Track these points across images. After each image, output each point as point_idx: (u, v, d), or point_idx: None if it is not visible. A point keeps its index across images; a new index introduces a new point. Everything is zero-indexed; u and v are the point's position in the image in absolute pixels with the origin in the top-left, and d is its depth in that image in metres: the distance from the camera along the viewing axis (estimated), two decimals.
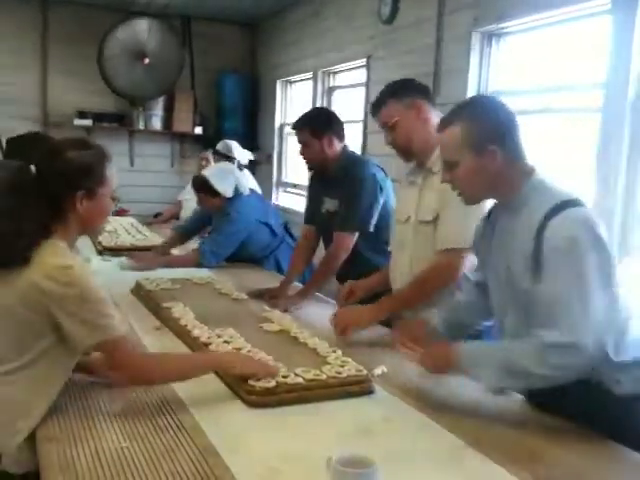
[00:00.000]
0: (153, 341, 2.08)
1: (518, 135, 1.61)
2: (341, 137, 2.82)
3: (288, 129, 6.63)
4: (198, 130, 6.90)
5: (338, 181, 2.75)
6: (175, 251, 3.69)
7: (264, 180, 6.55)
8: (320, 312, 2.50)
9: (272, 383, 1.61)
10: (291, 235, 3.69)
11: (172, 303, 2.39)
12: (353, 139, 4.36)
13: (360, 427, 1.50)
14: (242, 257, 3.45)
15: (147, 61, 6.42)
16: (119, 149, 6.71)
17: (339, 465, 1.14)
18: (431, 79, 3.89)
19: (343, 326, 2.13)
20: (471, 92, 3.67)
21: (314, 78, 5.77)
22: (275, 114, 6.67)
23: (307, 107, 5.87)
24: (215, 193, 3.38)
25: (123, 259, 3.36)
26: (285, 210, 5.94)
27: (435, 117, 2.14)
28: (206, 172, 3.51)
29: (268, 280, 3.08)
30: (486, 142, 1.56)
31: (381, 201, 2.70)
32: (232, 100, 6.93)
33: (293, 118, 6.44)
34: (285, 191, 6.72)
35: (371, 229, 2.70)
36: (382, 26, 4.55)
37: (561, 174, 3.22)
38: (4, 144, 3.30)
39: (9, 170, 1.55)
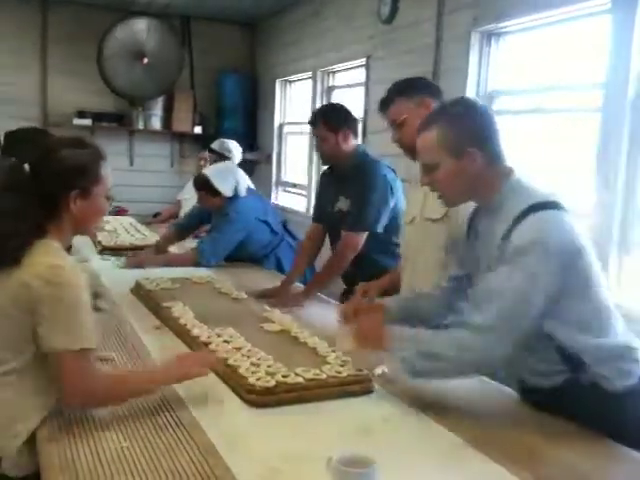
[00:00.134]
0: (153, 340, 2.08)
1: (497, 137, 1.62)
2: (356, 133, 2.82)
3: (288, 129, 6.63)
4: (198, 130, 6.89)
5: (351, 180, 2.75)
6: (173, 249, 3.68)
7: (263, 180, 6.56)
8: (321, 312, 2.51)
9: (272, 382, 1.61)
10: (290, 234, 3.69)
11: (172, 302, 2.39)
12: None
13: (360, 427, 1.50)
14: (242, 256, 3.45)
15: (146, 61, 6.41)
16: (119, 149, 6.71)
17: (340, 465, 1.15)
18: (430, 79, 3.89)
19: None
20: (471, 92, 3.67)
21: (313, 78, 5.77)
22: (274, 114, 6.66)
23: (306, 107, 5.90)
24: (215, 192, 3.38)
25: (123, 259, 3.36)
26: (284, 209, 5.94)
27: None
28: (207, 171, 3.52)
29: (268, 279, 3.08)
30: (464, 145, 1.57)
31: (391, 203, 2.69)
32: (232, 100, 6.93)
33: (293, 118, 6.52)
34: (284, 190, 6.72)
35: (380, 230, 2.69)
36: (381, 26, 4.55)
37: (561, 173, 3.23)
38: (2, 139, 3.30)
39: (2, 169, 1.54)
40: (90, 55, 6.33)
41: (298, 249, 3.16)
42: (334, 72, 5.64)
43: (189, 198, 5.00)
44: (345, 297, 2.64)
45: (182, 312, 2.27)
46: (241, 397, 1.61)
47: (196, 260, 3.30)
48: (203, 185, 3.43)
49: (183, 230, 3.78)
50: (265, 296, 2.70)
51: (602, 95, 2.89)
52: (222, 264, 3.35)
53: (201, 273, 3.07)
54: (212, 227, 3.55)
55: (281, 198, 6.68)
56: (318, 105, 5.66)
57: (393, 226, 2.69)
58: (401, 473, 1.28)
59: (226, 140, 4.84)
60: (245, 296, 2.65)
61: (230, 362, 1.75)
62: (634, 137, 2.77)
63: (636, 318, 2.55)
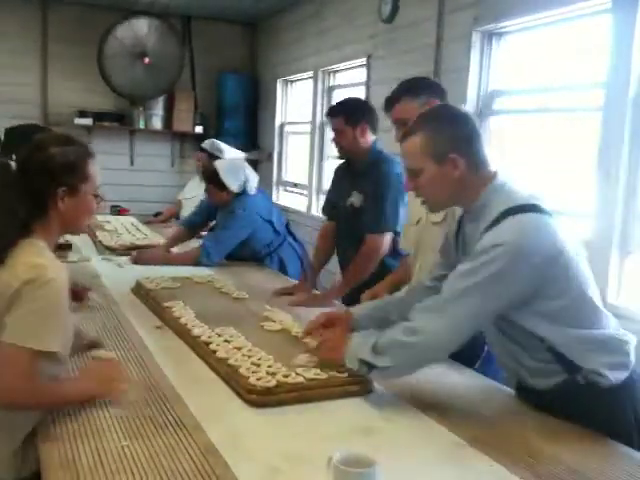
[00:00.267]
0: (154, 340, 2.08)
1: (480, 143, 1.63)
2: (374, 128, 2.79)
3: (288, 128, 6.63)
4: (198, 129, 6.90)
5: (366, 176, 2.73)
6: (176, 248, 3.66)
7: (264, 179, 6.53)
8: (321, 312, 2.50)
9: (273, 382, 1.61)
10: (293, 235, 3.68)
11: (172, 302, 2.39)
12: None
13: (360, 427, 1.50)
14: (244, 255, 3.44)
15: (147, 60, 6.42)
16: (119, 148, 6.72)
17: (340, 464, 1.15)
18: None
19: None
20: (471, 91, 3.67)
21: (314, 77, 5.77)
22: (275, 113, 6.67)
23: (307, 106, 5.90)
24: (223, 186, 3.37)
25: (124, 259, 3.36)
26: (285, 209, 5.94)
27: None
28: (219, 164, 3.50)
29: (269, 279, 3.08)
30: (446, 151, 1.59)
31: (406, 201, 2.68)
32: (232, 99, 6.93)
33: (293, 117, 6.52)
34: (285, 190, 6.72)
35: (399, 229, 2.64)
36: (382, 25, 4.55)
37: (562, 173, 3.23)
38: (2, 136, 3.30)
39: None
40: (91, 55, 6.34)
41: (318, 245, 3.06)
42: (335, 72, 5.65)
43: (190, 198, 5.00)
44: (350, 298, 2.63)
45: (183, 312, 2.27)
46: (242, 397, 1.61)
47: (198, 257, 3.28)
48: (211, 178, 3.41)
49: (193, 226, 3.75)
50: (284, 294, 2.71)
51: (603, 94, 2.90)
52: (223, 263, 3.34)
53: (202, 273, 3.06)
54: (217, 223, 3.54)
55: (282, 198, 6.68)
56: (319, 104, 5.68)
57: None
58: (401, 473, 1.28)
59: (216, 140, 4.82)
60: (246, 296, 2.64)
61: (231, 362, 1.75)
62: (635, 136, 2.77)
63: (636, 318, 2.56)
